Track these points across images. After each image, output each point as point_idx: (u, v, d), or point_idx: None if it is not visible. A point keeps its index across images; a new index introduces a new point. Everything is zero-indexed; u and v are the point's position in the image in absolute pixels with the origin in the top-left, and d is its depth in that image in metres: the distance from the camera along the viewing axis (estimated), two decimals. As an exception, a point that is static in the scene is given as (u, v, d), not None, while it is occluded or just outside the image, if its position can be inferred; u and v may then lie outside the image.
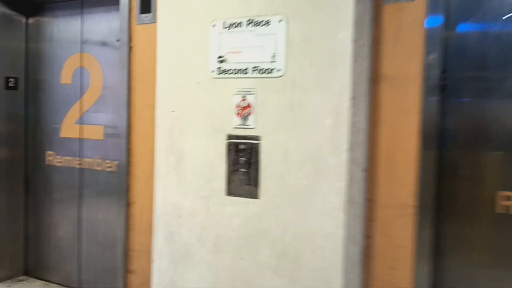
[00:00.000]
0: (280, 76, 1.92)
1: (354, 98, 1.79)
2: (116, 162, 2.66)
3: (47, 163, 3.03)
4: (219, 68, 2.04)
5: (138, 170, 2.41)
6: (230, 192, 2.04)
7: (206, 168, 2.09)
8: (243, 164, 2.00)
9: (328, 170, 1.83)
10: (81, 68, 2.89)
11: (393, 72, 1.81)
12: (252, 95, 1.97)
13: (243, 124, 1.99)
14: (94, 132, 2.83)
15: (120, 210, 2.49)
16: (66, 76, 2.95)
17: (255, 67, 1.96)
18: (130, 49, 2.44)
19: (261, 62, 1.95)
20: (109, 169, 2.75)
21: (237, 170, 2.02)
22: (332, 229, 1.83)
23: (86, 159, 2.86)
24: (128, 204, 2.45)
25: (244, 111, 1.98)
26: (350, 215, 1.82)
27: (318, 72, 1.84)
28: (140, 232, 2.41)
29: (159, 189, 2.22)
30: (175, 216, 2.17)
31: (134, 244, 2.44)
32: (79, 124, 2.88)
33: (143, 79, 2.39)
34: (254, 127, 1.97)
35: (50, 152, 3.02)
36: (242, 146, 2.00)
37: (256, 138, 1.97)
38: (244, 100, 1.99)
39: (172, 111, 2.16)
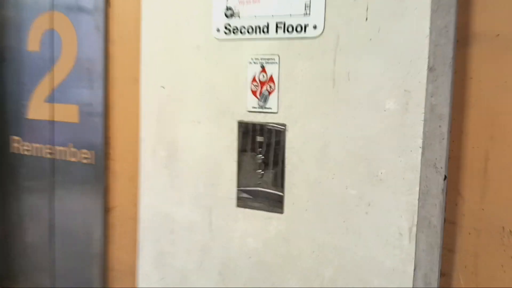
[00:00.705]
0: (317, 36, 1.30)
1: (432, 68, 1.18)
2: (94, 152, 2.07)
3: (12, 150, 2.44)
4: (227, 25, 1.42)
5: (118, 165, 1.81)
6: (243, 202, 1.44)
7: (208, 167, 1.49)
8: (261, 163, 1.40)
9: (391, 176, 1.23)
10: (51, 31, 2.27)
11: (494, 29, 1.18)
12: (274, 65, 1.36)
13: (262, 107, 1.38)
14: (67, 112, 2.22)
15: (97, 217, 1.90)
16: (33, 41, 2.33)
17: (279, 23, 1.34)
18: (107, 2, 1.82)
19: (289, 15, 1.33)
20: (86, 161, 2.15)
21: (252, 172, 1.42)
22: (396, 263, 1.23)
23: (58, 147, 2.27)
24: (106, 210, 1.86)
25: (263, 87, 1.38)
26: (423, 243, 1.22)
27: (377, 27, 1.22)
28: (122, 248, 1.83)
29: (144, 193, 1.62)
30: (166, 231, 1.59)
31: (113, 262, 1.86)
32: (49, 103, 2.27)
33: (125, 43, 1.77)
34: (277, 110, 1.37)
35: (15, 138, 2.43)
36: (259, 138, 1.40)
37: (280, 126, 1.36)
38: (263, 71, 1.37)
39: (161, 87, 1.55)
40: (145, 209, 1.63)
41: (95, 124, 1.95)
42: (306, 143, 1.33)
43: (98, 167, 1.93)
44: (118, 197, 1.82)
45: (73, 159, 2.23)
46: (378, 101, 1.23)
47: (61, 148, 2.30)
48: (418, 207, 1.21)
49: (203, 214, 1.51)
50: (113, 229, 1.84)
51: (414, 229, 1.21)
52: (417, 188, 1.20)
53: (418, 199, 1.20)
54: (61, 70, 2.28)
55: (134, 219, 1.75)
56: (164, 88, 1.54)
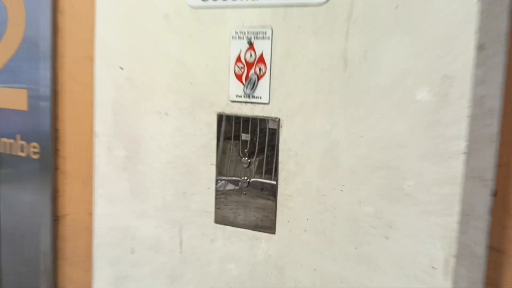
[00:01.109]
0: (324, 2, 0.97)
1: (482, 47, 0.87)
2: (40, 147, 1.72)
3: (-49, 142, 2.07)
4: (203, -12, 1.09)
5: (70, 164, 1.47)
6: (223, 217, 1.12)
7: (179, 171, 1.16)
8: (248, 168, 1.09)
9: (421, 191, 0.92)
10: (-5, 1, 1.90)
11: None
12: (266, 41, 1.03)
13: (249, 95, 1.06)
14: (14, 98, 1.86)
15: (44, 226, 1.56)
16: (-27, 13, 1.96)
17: (273, -15, 1.02)
18: (54, -39, 1.46)
19: (286, -26, 1.00)
20: (36, 156, 1.81)
21: (235, 179, 1.10)
22: (425, 306, 0.94)
23: (3, 140, 1.91)
24: (56, 218, 1.52)
25: (251, 70, 1.05)
26: (464, 280, 0.92)
27: (407, -9, 0.91)
28: (75, 265, 1.50)
29: (99, 201, 1.29)
30: (126, 249, 1.26)
31: (65, 282, 1.53)
32: (-7, 86, 1.91)
33: (76, 14, 1.42)
34: (268, 101, 1.04)
35: (-46, 127, 2.06)
36: (245, 136, 1.08)
37: (272, 121, 1.04)
38: (250, 49, 1.05)
39: (120, 68, 1.21)
40: (100, 220, 1.30)
41: (43, 113, 1.60)
42: (306, 144, 1.01)
43: (46, 166, 1.58)
44: (70, 203, 1.48)
45: (21, 154, 1.87)
46: (406, 90, 0.92)
47: (7, 140, 1.93)
48: (458, 232, 0.90)
49: (172, 231, 1.18)
50: (64, 241, 1.51)
51: (452, 260, 0.91)
52: (457, 207, 0.90)
53: (459, 222, 0.90)
54: (7, 47, 1.90)
55: (89, 230, 1.43)
56: (122, 69, 1.20)
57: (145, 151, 1.20)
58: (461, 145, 0.88)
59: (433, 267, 0.93)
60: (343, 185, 0.99)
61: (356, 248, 0.99)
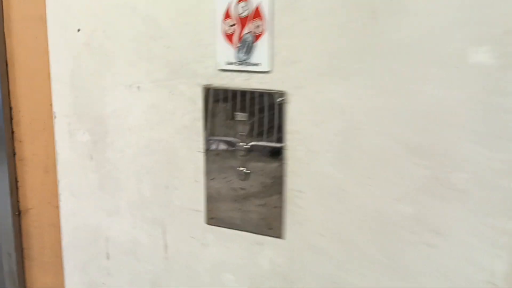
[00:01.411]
0: None
1: None
2: None
3: None
4: None
5: (29, 149, 1.22)
6: (215, 216, 0.89)
7: (157, 159, 0.92)
8: (245, 156, 0.85)
9: (478, 185, 0.69)
10: None
11: None
12: (262, -13, 0.77)
13: (243, 61, 0.81)
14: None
15: (5, 221, 1.33)
16: None
17: None
18: None
19: None
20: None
21: (230, 169, 0.86)
22: (483, 333, 0.72)
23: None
24: (17, 213, 1.28)
25: (244, 28, 0.79)
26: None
27: None
28: (44, 266, 1.27)
29: (63, 195, 1.06)
30: (99, 253, 1.03)
31: (35, 285, 1.31)
32: None
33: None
34: (269, 68, 0.79)
35: None
36: (240, 116, 0.83)
37: (274, 95, 0.80)
38: (243, 0, 0.79)
39: (77, 30, 0.95)
40: (66, 218, 1.07)
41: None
42: (320, 125, 0.77)
43: (1, 152, 1.33)
44: (32, 195, 1.24)
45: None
46: (456, 50, 0.67)
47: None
48: (526, 240, 0.68)
49: (153, 233, 0.96)
50: (30, 239, 1.27)
51: (520, 278, 0.69)
52: (529, 207, 0.67)
53: (528, 226, 0.67)
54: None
55: (57, 227, 1.19)
56: (80, 31, 0.94)
57: (114, 135, 0.96)
58: (535, 123, 0.65)
59: (491, 283, 0.71)
60: (370, 178, 0.75)
61: (388, 258, 0.76)
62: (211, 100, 0.85)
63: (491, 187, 0.68)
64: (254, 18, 0.78)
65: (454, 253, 0.72)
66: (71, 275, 1.08)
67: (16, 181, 1.25)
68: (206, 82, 0.85)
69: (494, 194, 0.68)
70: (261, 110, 0.81)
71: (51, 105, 1.07)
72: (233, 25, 0.80)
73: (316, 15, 0.74)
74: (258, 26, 0.78)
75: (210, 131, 0.86)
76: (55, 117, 1.02)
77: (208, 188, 0.88)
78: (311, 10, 0.74)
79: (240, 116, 0.83)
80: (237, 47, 0.80)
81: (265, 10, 0.77)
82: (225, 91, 0.83)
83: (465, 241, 0.71)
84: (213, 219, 0.89)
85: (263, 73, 0.80)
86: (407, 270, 0.75)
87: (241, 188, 0.85)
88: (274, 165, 0.82)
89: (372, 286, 0.78)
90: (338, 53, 0.74)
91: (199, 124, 0.87)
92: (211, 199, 0.88)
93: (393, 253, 0.76)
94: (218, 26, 0.81)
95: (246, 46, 0.79)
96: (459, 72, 0.67)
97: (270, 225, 0.84)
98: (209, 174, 0.87)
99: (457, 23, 0.66)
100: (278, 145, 0.81)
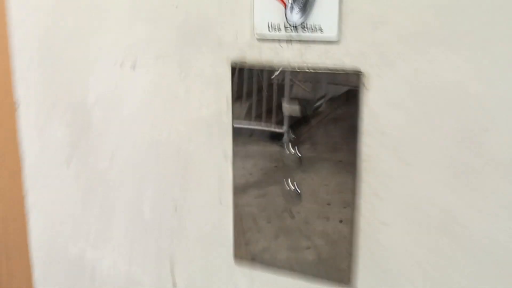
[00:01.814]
0: None
1: None
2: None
3: None
4: None
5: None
6: (249, 252, 0.62)
7: (163, 166, 0.65)
8: (297, 166, 0.57)
9: None
10: None
11: None
12: None
13: (296, 26, 0.52)
14: None
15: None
16: None
17: None
18: None
19: None
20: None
21: (272, 183, 0.58)
22: None
23: None
24: (-22, 227, 1.00)
25: (300, -27, 0.51)
26: None
27: None
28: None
29: (31, 209, 0.78)
30: (83, 291, 0.76)
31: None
32: None
33: None
34: (336, 35, 0.51)
35: None
36: (290, 108, 0.55)
37: (346, 75, 0.52)
38: None
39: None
40: (36, 240, 0.79)
41: None
42: (422, 122, 0.50)
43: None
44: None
45: None
46: None
47: None
48: None
49: (158, 269, 0.68)
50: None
51: None
52: None
53: None
54: None
55: (24, 255, 0.92)
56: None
57: (100, 131, 0.68)
58: None
59: None
60: (500, 204, 0.48)
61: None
62: (244, 82, 0.57)
63: None
64: (315, -44, 0.50)
65: None
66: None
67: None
68: (236, 55, 0.56)
69: None
70: (322, 98, 0.53)
71: (11, 89, 0.78)
72: (283, -32, 0.52)
73: None
74: (322, -31, 0.50)
75: (242, 128, 0.58)
76: (18, 106, 0.73)
77: (237, 210, 0.61)
78: None
79: (289, 108, 0.55)
80: (288, 3, 0.52)
81: None
82: (268, 70, 0.55)
83: None
84: (245, 256, 0.62)
85: (328, 43, 0.52)
86: None
87: (290, 214, 0.58)
88: (340, 180, 0.54)
89: None
90: (451, 7, 0.46)
91: (226, 117, 0.59)
92: (243, 226, 0.61)
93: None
94: (257, -28, 0.53)
95: (302, 2, 0.51)
96: None
97: (333, 267, 0.57)
98: (240, 190, 0.60)
99: None
100: (347, 154, 0.53)
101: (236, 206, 0.61)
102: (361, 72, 0.51)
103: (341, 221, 0.55)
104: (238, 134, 0.59)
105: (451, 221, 0.51)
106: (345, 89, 0.52)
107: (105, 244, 0.72)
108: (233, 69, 0.57)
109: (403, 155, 0.51)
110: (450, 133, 0.49)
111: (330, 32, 0.51)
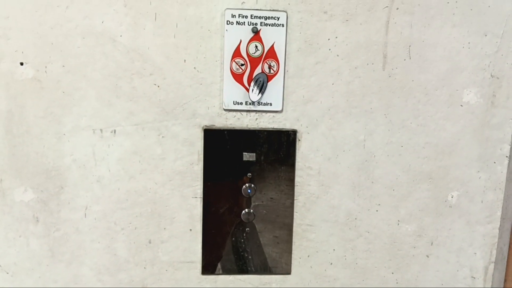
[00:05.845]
0: (358, -18, 0.78)
1: (524, 43, 0.82)
2: None
3: None
4: None
5: None
6: (214, 265, 0.83)
7: (139, 211, 0.81)
8: (250, 197, 0.82)
9: (465, 200, 0.85)
10: None
11: None
12: (278, 29, 0.77)
13: (253, 102, 0.79)
14: None
15: None
16: None
17: (287, -47, 0.76)
18: None
19: None
20: None
21: (231, 210, 0.82)
22: (473, 320, 0.88)
23: None
24: None
25: (256, 68, 0.78)
26: (495, 282, 0.90)
27: (461, -22, 0.79)
28: None
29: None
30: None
31: None
32: None
33: None
34: (281, 108, 0.79)
35: None
36: (248, 155, 0.81)
37: (287, 133, 0.80)
38: (255, 39, 0.77)
39: (20, 64, 0.75)
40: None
41: None
42: (333, 160, 0.81)
43: None
44: None
45: None
46: (452, 92, 0.81)
47: None
48: (498, 238, 0.87)
49: (131, 297, 0.83)
50: None
51: (491, 267, 0.87)
52: (499, 213, 0.86)
53: (499, 228, 0.86)
54: None
55: None
56: (25, 65, 0.75)
57: (74, 190, 0.79)
58: (506, 148, 0.83)
59: (473, 277, 0.87)
60: (379, 204, 0.83)
61: (393, 273, 0.86)
62: (213, 141, 0.79)
63: (475, 200, 0.84)
64: (266, 57, 0.77)
65: (446, 259, 0.86)
66: None
67: None
68: (207, 122, 0.79)
69: (477, 206, 0.85)
70: (270, 148, 0.80)
71: None
72: (244, 64, 0.77)
73: (329, 59, 0.78)
74: (271, 67, 0.78)
75: (208, 172, 0.80)
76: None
77: (204, 233, 0.82)
78: (327, 53, 0.78)
79: (247, 155, 0.80)
80: (248, 87, 0.78)
81: (280, 51, 0.77)
82: (230, 131, 0.79)
83: (455, 247, 0.86)
84: (211, 267, 0.83)
85: (275, 112, 0.79)
86: (409, 279, 0.86)
87: (245, 230, 0.82)
88: (282, 201, 0.82)
89: (382, 302, 0.86)
90: (350, 94, 0.79)
91: (197, 168, 0.80)
92: (208, 246, 0.82)
93: (397, 267, 0.86)
94: (226, 65, 0.77)
95: (259, 86, 0.78)
96: (457, 111, 0.81)
97: (276, 263, 0.84)
98: (208, 220, 0.81)
99: (456, 69, 0.80)
100: (287, 183, 0.81)
101: (203, 230, 0.82)
102: (296, 130, 0.80)
103: (281, 231, 0.83)
104: (208, 178, 0.80)
105: (352, 219, 0.83)
106: (286, 141, 0.80)
107: (75, 285, 0.82)
108: (205, 131, 0.79)
109: (323, 180, 0.82)
110: (348, 162, 0.81)
111: (277, 106, 0.79)
